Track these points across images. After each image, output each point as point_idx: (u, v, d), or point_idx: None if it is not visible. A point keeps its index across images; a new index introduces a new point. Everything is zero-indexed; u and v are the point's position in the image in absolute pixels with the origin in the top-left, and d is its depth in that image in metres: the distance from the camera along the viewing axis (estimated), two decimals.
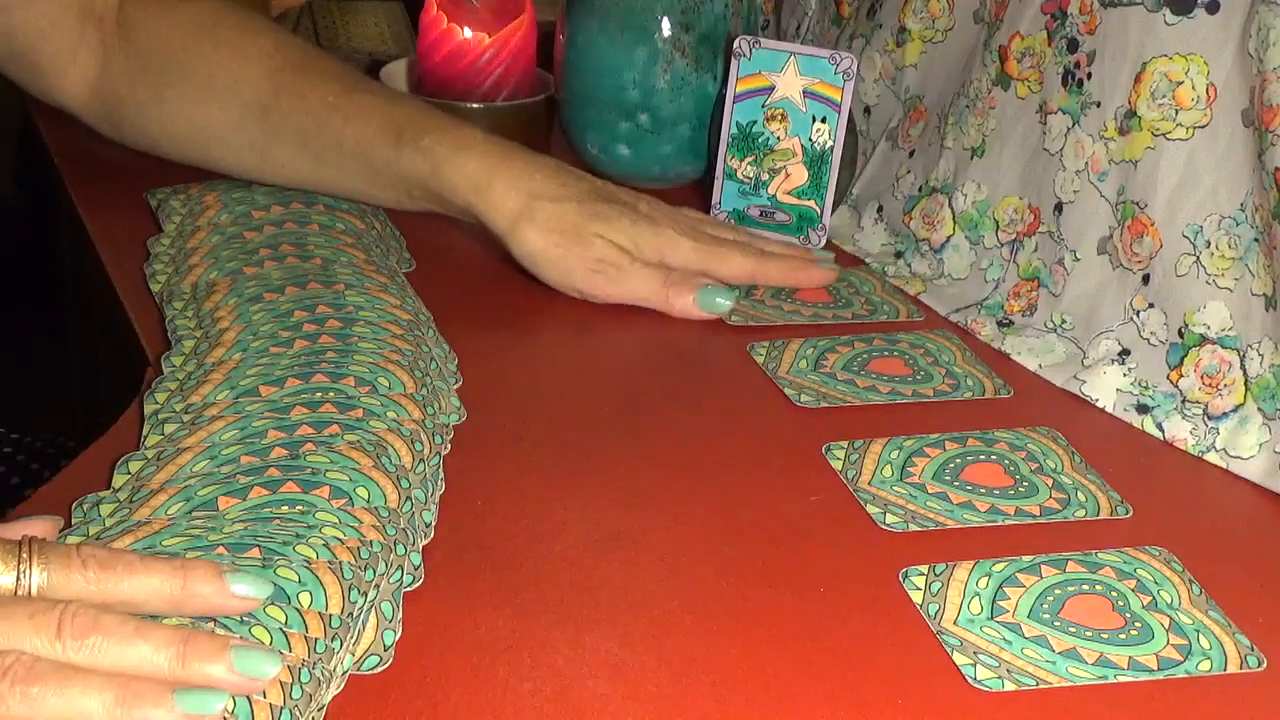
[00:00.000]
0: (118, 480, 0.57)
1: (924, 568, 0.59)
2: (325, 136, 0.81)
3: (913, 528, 0.62)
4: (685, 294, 0.79)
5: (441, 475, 0.62)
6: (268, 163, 0.83)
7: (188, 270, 0.75)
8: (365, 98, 0.81)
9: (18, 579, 0.44)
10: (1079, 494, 0.65)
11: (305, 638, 0.48)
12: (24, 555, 0.45)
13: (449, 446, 0.64)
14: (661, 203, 0.84)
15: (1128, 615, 0.56)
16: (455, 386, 0.69)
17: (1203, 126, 0.71)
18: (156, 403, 0.63)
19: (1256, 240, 0.69)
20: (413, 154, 0.79)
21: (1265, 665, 0.54)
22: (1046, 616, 0.56)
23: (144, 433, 0.61)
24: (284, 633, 0.47)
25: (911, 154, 0.91)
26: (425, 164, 0.79)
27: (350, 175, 0.82)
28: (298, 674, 0.47)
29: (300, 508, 0.53)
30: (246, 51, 0.83)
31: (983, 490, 0.65)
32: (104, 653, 0.43)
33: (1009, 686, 0.52)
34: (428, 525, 0.58)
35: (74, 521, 0.55)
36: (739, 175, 0.90)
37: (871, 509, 0.63)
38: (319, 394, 0.61)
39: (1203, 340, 0.71)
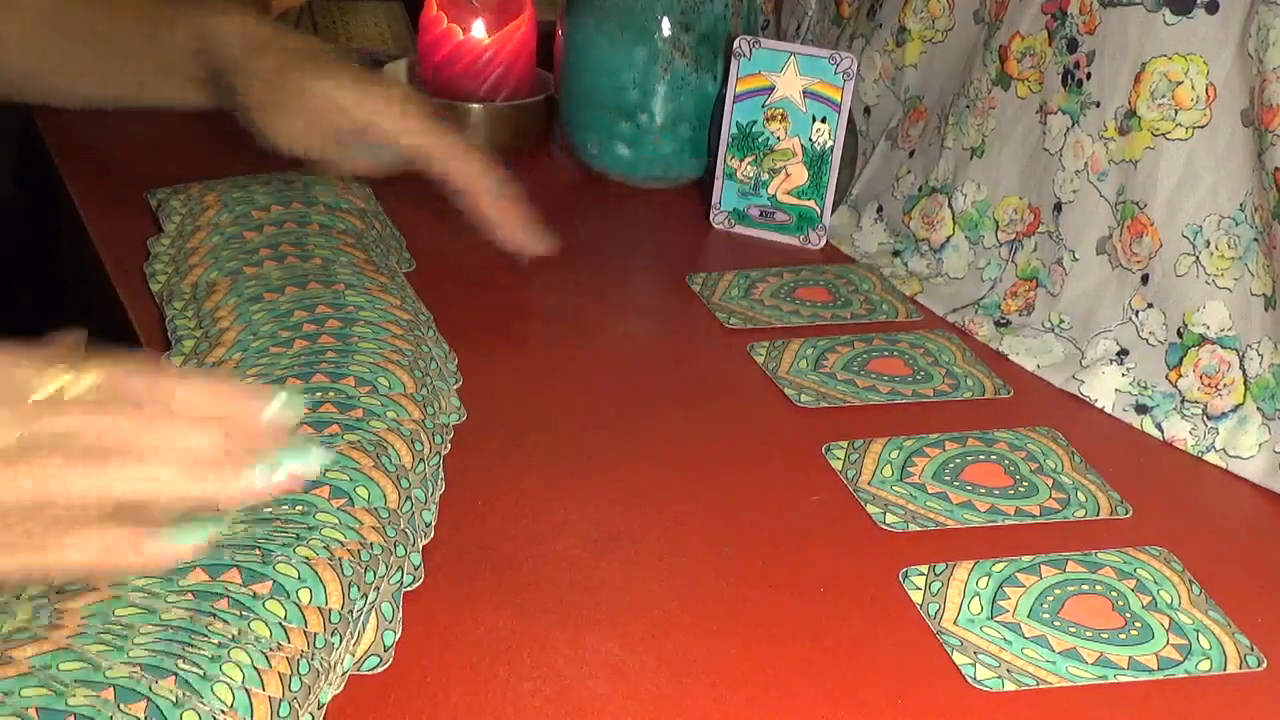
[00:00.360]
0: None
1: (924, 568, 0.59)
2: (118, 32, 0.84)
3: (913, 528, 0.62)
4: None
5: (441, 475, 0.62)
6: (65, 70, 0.86)
7: (188, 270, 0.75)
8: None
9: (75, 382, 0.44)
10: (1079, 494, 0.65)
11: (305, 632, 0.48)
12: (76, 366, 0.45)
13: (449, 446, 0.64)
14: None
15: (1128, 615, 0.56)
16: (455, 386, 0.69)
17: (1202, 126, 0.71)
18: None
19: (1256, 240, 0.69)
20: (185, 23, 0.82)
21: (1265, 665, 0.54)
22: (1046, 616, 0.56)
23: None
24: (283, 627, 0.48)
25: (911, 154, 0.91)
26: (185, 27, 0.82)
27: (148, 71, 0.84)
28: (296, 666, 0.47)
29: (300, 508, 0.53)
30: None
31: (983, 490, 0.65)
32: (169, 436, 0.43)
33: (1009, 686, 0.52)
34: (427, 525, 0.58)
35: None
36: (739, 175, 0.90)
37: (871, 509, 0.63)
38: (319, 394, 0.61)
39: (1202, 340, 0.71)
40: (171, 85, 0.85)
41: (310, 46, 0.83)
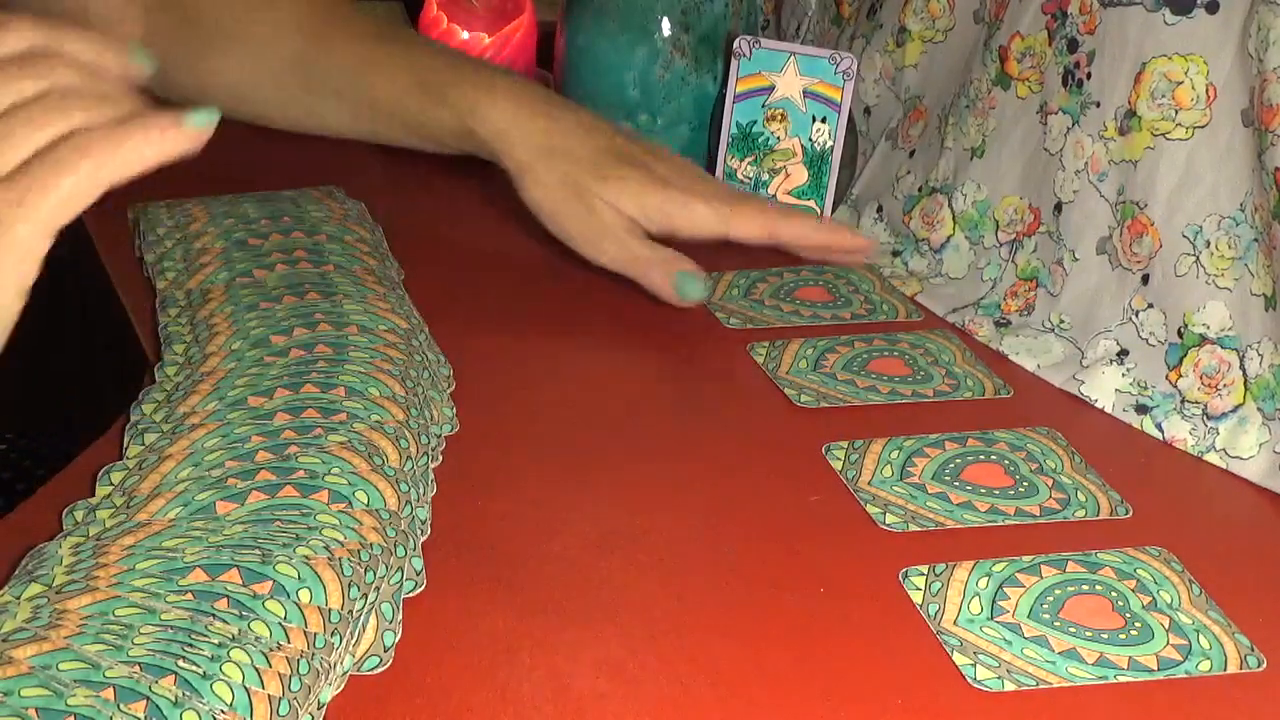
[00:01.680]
0: (101, 490, 0.57)
1: (924, 568, 0.59)
2: (358, 92, 0.81)
3: (913, 528, 0.62)
4: (663, 276, 0.78)
5: (432, 478, 0.61)
6: (312, 116, 0.84)
7: (199, 269, 0.74)
8: (392, 50, 0.81)
9: None
10: (1079, 494, 0.65)
11: (305, 631, 0.48)
12: None
13: (440, 457, 0.64)
14: (687, 162, 0.82)
15: (1128, 615, 0.56)
16: (449, 391, 0.69)
17: (1202, 126, 0.71)
18: (143, 413, 0.63)
19: (1256, 240, 0.69)
20: (439, 109, 0.79)
21: (1265, 665, 0.54)
22: (1046, 616, 0.56)
23: (125, 443, 0.61)
24: (283, 627, 0.48)
25: (911, 154, 0.91)
26: (452, 119, 0.79)
27: (388, 128, 0.82)
28: (296, 666, 0.47)
29: (300, 511, 0.53)
30: (277, 5, 0.83)
31: (983, 490, 0.65)
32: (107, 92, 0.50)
33: (1009, 686, 0.52)
34: (423, 522, 0.58)
35: (65, 527, 0.55)
36: (739, 175, 0.90)
37: (871, 509, 0.63)
38: (306, 401, 0.61)
39: (1202, 340, 0.71)
40: (424, 144, 0.83)
41: (593, 140, 0.78)
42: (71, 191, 0.48)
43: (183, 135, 0.49)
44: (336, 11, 0.84)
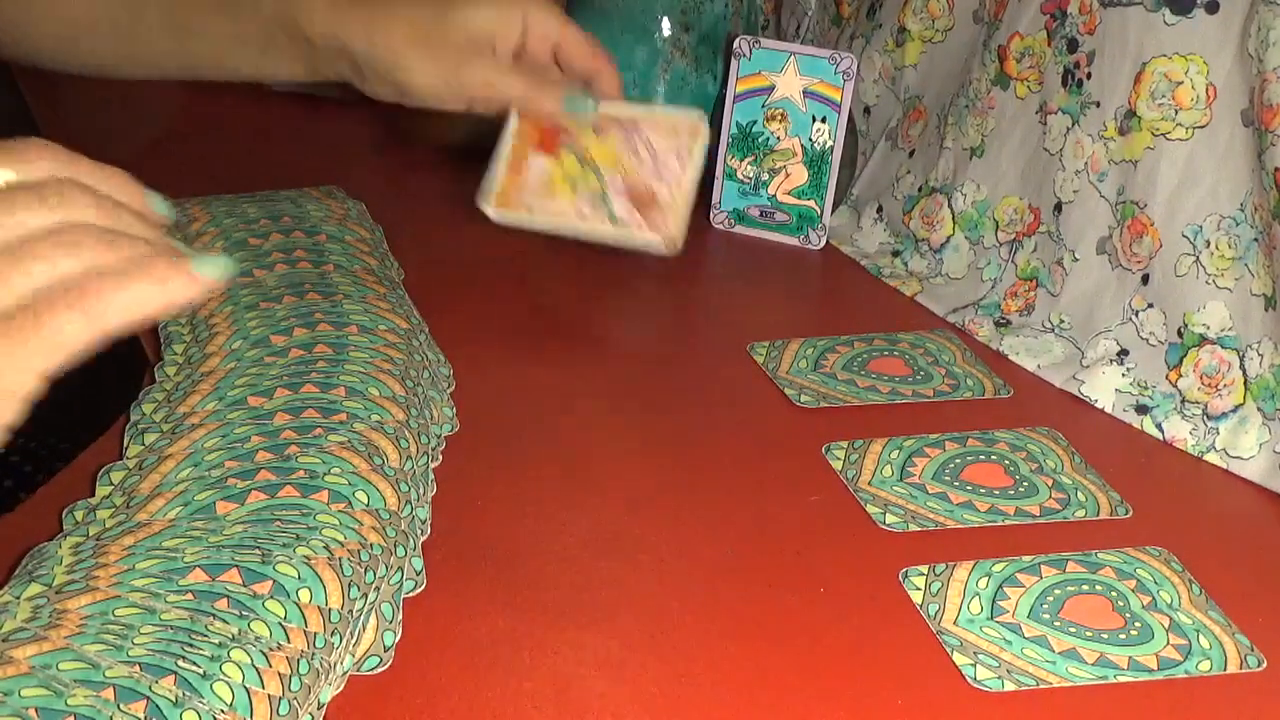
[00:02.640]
0: (101, 490, 0.57)
1: (924, 568, 0.59)
2: (188, 19, 0.78)
3: (913, 528, 0.62)
4: (554, 100, 0.74)
5: (432, 478, 0.62)
6: (136, 44, 0.81)
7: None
8: None
9: None
10: (1079, 494, 0.65)
11: (305, 631, 0.48)
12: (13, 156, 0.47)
13: (440, 457, 0.64)
14: None
15: (1128, 615, 0.56)
16: (449, 392, 0.69)
17: (1202, 126, 0.71)
18: (143, 413, 0.63)
19: (1256, 240, 0.69)
20: (266, 18, 0.75)
21: (1265, 665, 0.54)
22: (1046, 616, 0.56)
23: (125, 443, 0.61)
24: (283, 626, 0.47)
25: (911, 154, 0.91)
26: (284, 30, 0.74)
27: (215, 39, 0.78)
28: (296, 665, 0.47)
29: (300, 511, 0.53)
30: None
31: (983, 490, 0.65)
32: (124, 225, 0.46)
33: (1009, 686, 0.52)
34: (422, 521, 0.58)
35: (65, 527, 0.55)
36: (739, 175, 0.90)
37: (871, 509, 0.63)
38: (306, 401, 0.61)
39: (1202, 340, 0.71)
40: (252, 53, 0.78)
41: None
42: (70, 337, 0.45)
43: (192, 283, 0.45)
44: None
